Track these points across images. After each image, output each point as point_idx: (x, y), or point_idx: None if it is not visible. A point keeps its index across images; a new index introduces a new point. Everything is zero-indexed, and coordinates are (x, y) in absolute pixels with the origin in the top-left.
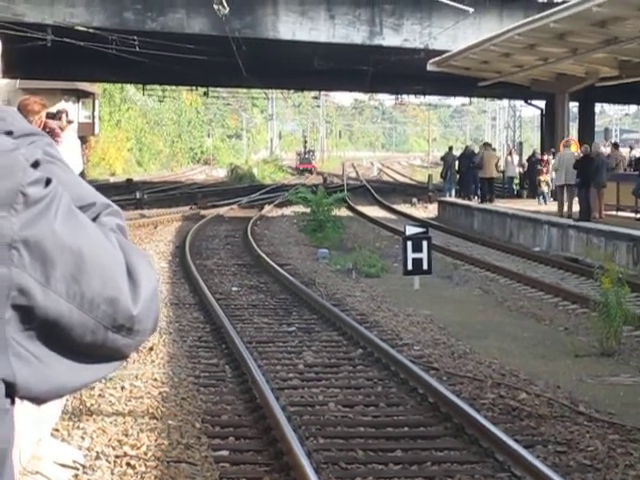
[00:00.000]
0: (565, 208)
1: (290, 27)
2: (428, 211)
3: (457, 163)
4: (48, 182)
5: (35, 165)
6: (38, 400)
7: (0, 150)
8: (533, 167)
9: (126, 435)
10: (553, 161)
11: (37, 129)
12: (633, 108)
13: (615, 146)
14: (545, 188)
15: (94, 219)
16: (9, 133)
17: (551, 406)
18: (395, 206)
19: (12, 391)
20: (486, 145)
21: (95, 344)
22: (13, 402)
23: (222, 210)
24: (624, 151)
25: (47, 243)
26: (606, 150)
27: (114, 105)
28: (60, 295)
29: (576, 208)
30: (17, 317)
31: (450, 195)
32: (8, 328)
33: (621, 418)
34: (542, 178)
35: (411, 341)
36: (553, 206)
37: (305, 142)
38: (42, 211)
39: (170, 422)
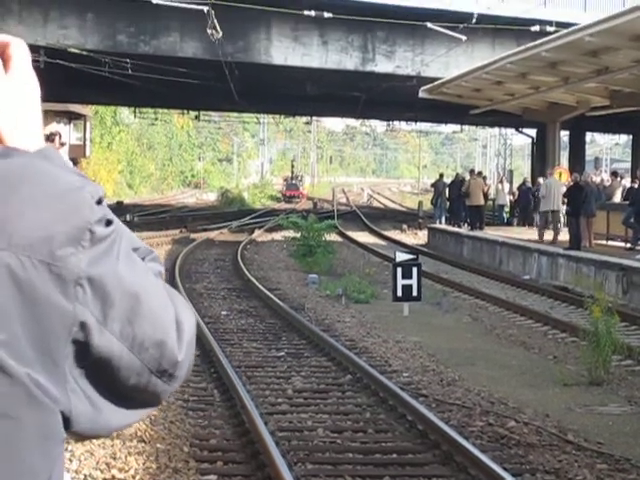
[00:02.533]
0: (550, 236)
1: (283, 52)
2: (418, 238)
3: (447, 190)
4: (109, 221)
5: (99, 202)
6: (82, 437)
7: (69, 188)
8: (524, 195)
9: (114, 458)
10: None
11: (80, 171)
12: (624, 138)
13: (614, 175)
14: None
15: None
16: None
17: (540, 435)
18: (385, 232)
19: (67, 425)
20: (472, 173)
21: (138, 387)
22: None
23: (212, 234)
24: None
25: (109, 283)
26: (599, 178)
27: (105, 127)
28: (114, 335)
29: (565, 237)
30: (73, 353)
31: (440, 222)
32: (68, 362)
33: (610, 448)
34: None
35: (400, 368)
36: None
37: (292, 167)
38: (106, 250)
39: (158, 445)
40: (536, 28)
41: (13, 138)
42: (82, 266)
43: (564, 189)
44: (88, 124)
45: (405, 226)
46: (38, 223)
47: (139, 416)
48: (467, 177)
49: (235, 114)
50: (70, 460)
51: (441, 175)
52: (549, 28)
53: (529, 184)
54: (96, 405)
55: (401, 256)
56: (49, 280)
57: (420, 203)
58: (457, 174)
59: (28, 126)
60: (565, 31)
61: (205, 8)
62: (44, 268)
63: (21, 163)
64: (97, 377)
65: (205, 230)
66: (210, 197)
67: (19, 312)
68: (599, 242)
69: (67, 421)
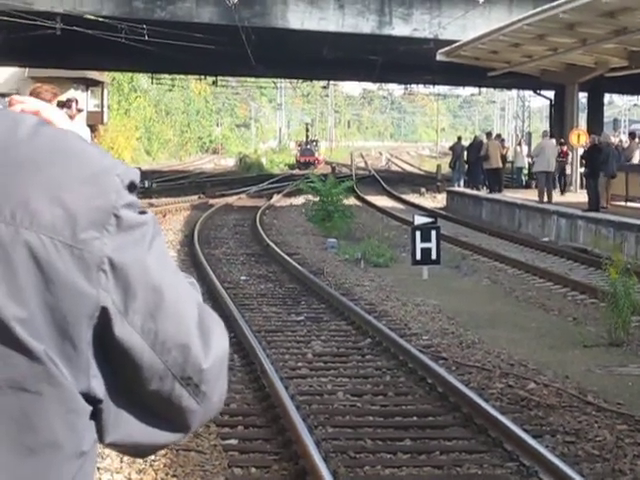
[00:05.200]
0: (545, 197)
1: (299, 16)
2: (436, 201)
3: (466, 153)
4: (142, 211)
5: (131, 189)
6: (103, 437)
7: (97, 170)
8: None
9: None
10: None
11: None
12: None
13: (632, 136)
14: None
15: None
16: None
17: (560, 396)
18: (404, 196)
19: (96, 405)
20: (488, 135)
21: (161, 394)
22: (94, 417)
23: (231, 199)
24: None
25: (134, 272)
26: (617, 140)
27: (122, 94)
28: (135, 328)
29: (571, 198)
30: (94, 340)
31: (459, 185)
32: (89, 349)
33: (630, 408)
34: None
35: (420, 331)
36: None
37: (307, 131)
38: (137, 240)
39: None
40: None
41: None
42: (106, 251)
43: (557, 151)
44: (105, 91)
45: (424, 189)
46: (62, 204)
47: (165, 439)
48: (485, 140)
49: (252, 79)
50: None
51: (459, 138)
52: None
53: None
54: (111, 405)
55: (420, 219)
56: (71, 263)
57: (438, 166)
58: (475, 137)
59: None
60: None
61: None
62: (66, 250)
63: (53, 137)
64: (117, 370)
65: (223, 195)
66: (228, 162)
67: (39, 292)
68: (618, 203)
69: (94, 402)
